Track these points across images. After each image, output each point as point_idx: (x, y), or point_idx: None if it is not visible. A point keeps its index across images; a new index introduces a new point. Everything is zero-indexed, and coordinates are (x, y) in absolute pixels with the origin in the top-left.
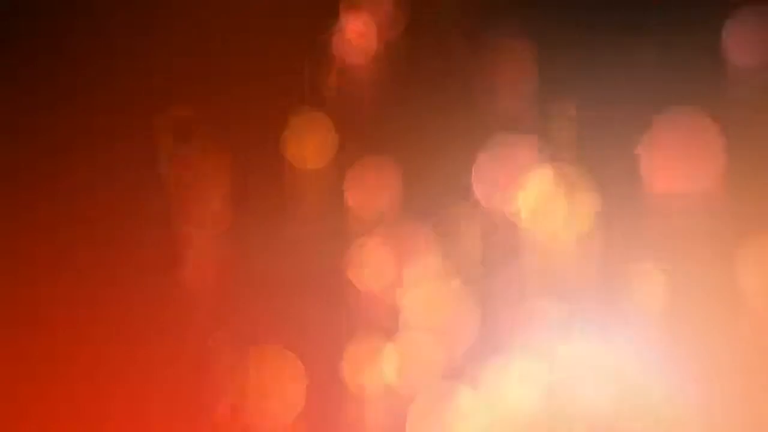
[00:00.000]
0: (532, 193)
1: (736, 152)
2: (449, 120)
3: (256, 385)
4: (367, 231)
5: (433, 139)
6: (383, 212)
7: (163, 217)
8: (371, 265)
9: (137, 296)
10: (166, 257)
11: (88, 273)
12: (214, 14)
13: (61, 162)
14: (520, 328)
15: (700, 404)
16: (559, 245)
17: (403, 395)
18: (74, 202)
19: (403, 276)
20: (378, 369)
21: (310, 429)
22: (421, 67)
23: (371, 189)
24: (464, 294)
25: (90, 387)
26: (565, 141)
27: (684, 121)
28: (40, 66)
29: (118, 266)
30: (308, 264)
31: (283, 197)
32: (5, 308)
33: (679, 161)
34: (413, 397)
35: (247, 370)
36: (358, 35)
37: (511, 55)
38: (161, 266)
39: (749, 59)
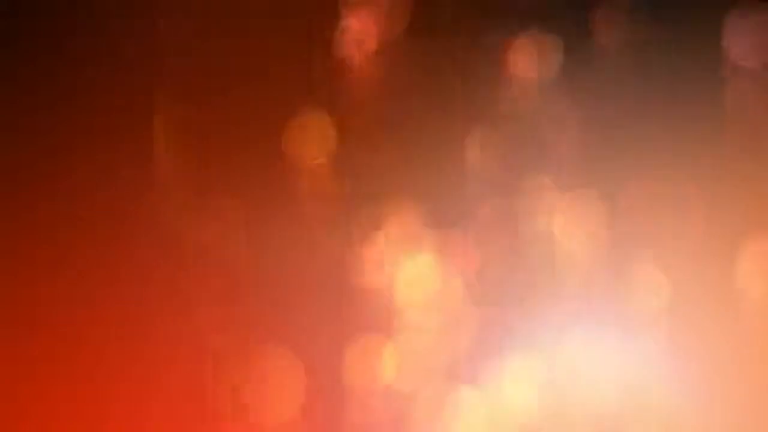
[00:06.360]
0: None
1: (737, 151)
2: (449, 117)
3: (256, 384)
4: (367, 229)
5: (433, 136)
6: (383, 210)
7: (163, 217)
8: (371, 263)
9: (137, 296)
10: (166, 257)
11: (88, 273)
12: (215, 14)
13: (61, 162)
14: (521, 327)
15: (700, 404)
16: (560, 244)
17: (403, 395)
18: (74, 202)
19: (403, 275)
20: (378, 368)
21: (311, 428)
22: (421, 65)
23: (371, 188)
24: (464, 293)
25: (90, 387)
26: (566, 140)
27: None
28: (40, 66)
29: (118, 266)
30: (309, 263)
31: (284, 196)
32: (5, 308)
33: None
34: (413, 397)
35: (248, 370)
36: (359, 34)
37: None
38: (161, 266)
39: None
